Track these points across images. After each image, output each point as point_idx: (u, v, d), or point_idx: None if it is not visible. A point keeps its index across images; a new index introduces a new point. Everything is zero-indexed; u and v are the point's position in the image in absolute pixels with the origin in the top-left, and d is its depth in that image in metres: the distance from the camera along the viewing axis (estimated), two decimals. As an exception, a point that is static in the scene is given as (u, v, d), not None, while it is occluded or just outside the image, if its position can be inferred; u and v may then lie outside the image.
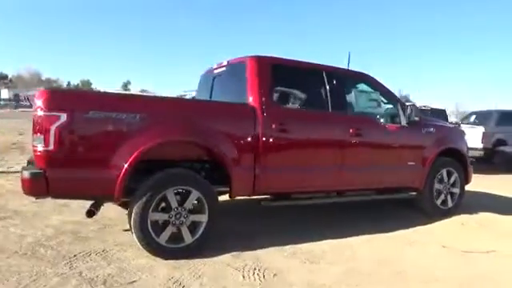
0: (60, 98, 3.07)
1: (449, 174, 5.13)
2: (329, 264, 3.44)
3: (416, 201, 4.98)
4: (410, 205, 5.20)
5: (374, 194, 4.61)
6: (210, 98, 4.64)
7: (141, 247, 3.30)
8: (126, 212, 3.37)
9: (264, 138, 3.68)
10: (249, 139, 3.64)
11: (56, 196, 3.13)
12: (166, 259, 3.30)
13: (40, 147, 2.93)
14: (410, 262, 3.54)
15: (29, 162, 3.43)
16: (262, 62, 3.91)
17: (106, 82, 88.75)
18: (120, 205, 3.54)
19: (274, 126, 3.73)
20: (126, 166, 3.08)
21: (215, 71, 4.62)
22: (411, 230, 4.55)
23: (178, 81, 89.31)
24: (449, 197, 5.14)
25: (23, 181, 2.97)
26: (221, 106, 3.78)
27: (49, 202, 4.79)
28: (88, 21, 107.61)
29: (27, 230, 3.85)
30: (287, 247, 3.74)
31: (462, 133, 5.79)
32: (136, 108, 3.21)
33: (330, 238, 4.05)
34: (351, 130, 4.20)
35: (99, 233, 3.91)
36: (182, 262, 3.30)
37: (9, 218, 4.21)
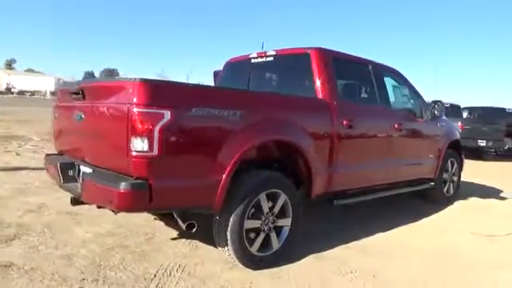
0: (164, 91, 2.51)
1: (451, 164, 5.59)
2: (403, 259, 3.50)
3: (429, 190, 5.30)
4: (413, 195, 5.52)
5: (405, 186, 4.80)
6: (248, 89, 4.31)
7: (215, 259, 3.05)
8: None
9: (338, 134, 3.55)
10: (326, 135, 3.48)
11: (156, 210, 2.61)
12: (257, 269, 3.02)
13: (140, 152, 2.39)
14: (462, 250, 3.78)
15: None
16: (327, 54, 3.74)
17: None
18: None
19: (344, 121, 3.61)
20: (228, 169, 2.70)
21: (253, 61, 4.28)
22: (432, 218, 4.88)
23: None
24: (451, 185, 5.61)
25: (120, 194, 2.39)
26: (303, 101, 3.52)
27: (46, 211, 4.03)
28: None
29: (65, 249, 3.15)
30: (354, 243, 3.72)
31: (455, 125, 6.36)
32: (237, 104, 2.80)
33: (377, 232, 4.13)
34: (396, 125, 4.29)
35: (151, 245, 3.39)
36: (275, 270, 3.06)
37: (25, 235, 3.40)
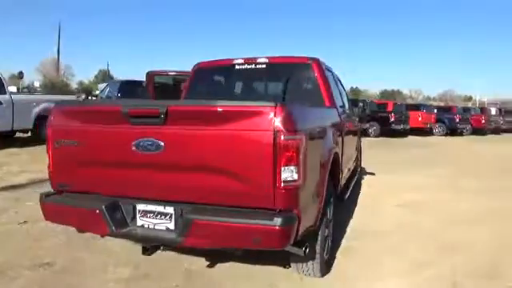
0: (298, 114, 2.31)
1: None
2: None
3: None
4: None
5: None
6: (232, 95, 4.19)
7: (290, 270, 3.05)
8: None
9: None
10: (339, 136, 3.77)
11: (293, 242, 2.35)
12: (323, 276, 3.15)
13: (290, 182, 2.19)
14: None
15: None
16: (323, 64, 4.02)
17: None
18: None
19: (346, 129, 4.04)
20: (326, 184, 2.76)
21: (238, 67, 4.15)
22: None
23: None
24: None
25: (274, 231, 2.13)
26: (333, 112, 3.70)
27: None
28: None
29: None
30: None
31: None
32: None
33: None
34: (355, 123, 5.00)
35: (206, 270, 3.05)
36: (332, 275, 3.25)
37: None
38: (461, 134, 22.21)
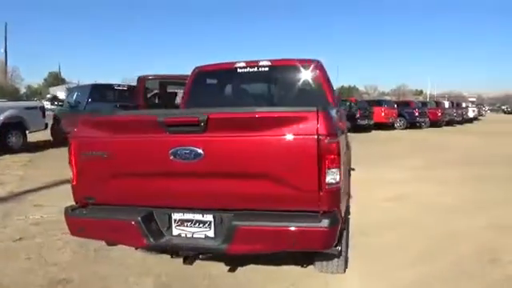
0: (334, 117, 2.36)
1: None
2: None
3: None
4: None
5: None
6: (236, 99, 4.19)
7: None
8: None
9: None
10: None
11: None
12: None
13: (333, 184, 2.25)
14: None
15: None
16: (323, 66, 4.12)
17: None
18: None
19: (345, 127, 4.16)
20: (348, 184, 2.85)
21: (240, 70, 4.16)
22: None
23: None
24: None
25: (324, 233, 2.19)
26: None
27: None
28: None
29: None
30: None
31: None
32: None
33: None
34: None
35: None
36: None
37: None
38: (420, 127, 23.36)
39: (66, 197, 5.31)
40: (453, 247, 3.73)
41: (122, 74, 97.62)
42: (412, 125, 23.30)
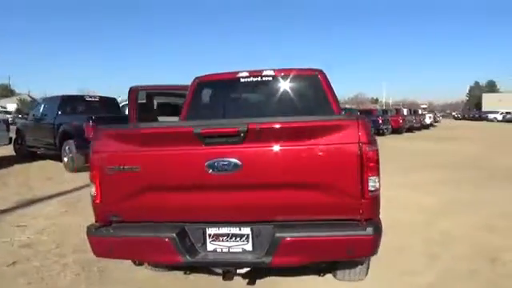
0: (369, 127, 2.38)
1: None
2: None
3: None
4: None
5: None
6: (240, 109, 4.16)
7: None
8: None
9: None
10: None
11: None
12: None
13: (374, 192, 2.27)
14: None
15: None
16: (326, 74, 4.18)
17: None
18: None
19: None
20: None
21: (243, 80, 4.13)
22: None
23: None
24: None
25: (369, 241, 2.21)
26: None
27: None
28: None
29: None
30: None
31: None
32: None
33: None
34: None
35: None
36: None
37: None
38: (383, 134, 24.22)
39: (48, 216, 5.07)
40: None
41: (76, 85, 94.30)
42: (375, 132, 24.12)
